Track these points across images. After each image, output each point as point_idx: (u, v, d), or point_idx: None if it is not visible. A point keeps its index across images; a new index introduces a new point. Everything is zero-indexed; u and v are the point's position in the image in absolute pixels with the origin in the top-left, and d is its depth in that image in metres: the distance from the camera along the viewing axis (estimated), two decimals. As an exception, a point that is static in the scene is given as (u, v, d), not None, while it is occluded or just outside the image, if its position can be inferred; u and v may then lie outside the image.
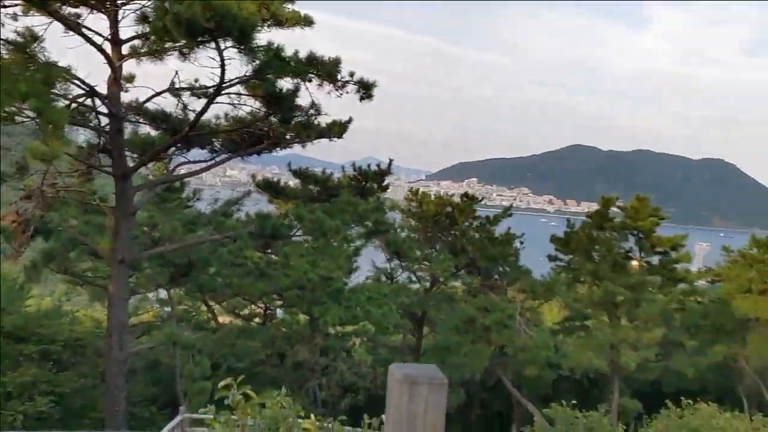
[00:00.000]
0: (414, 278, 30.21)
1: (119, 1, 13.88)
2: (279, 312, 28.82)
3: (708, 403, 18.19)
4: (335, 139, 16.43)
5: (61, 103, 13.02)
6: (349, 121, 16.58)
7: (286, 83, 14.31)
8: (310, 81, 14.09)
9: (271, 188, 23.20)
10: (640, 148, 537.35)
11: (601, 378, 31.90)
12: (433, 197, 31.46)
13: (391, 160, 23.40)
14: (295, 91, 14.46)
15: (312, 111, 14.82)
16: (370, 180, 22.94)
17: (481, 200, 32.28)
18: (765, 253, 32.68)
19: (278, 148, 16.82)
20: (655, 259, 33.96)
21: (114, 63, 14.22)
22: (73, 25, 13.49)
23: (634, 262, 32.89)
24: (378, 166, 22.81)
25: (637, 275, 31.05)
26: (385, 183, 23.69)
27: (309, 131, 15.58)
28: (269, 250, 22.78)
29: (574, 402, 18.38)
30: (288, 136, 16.34)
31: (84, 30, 13.74)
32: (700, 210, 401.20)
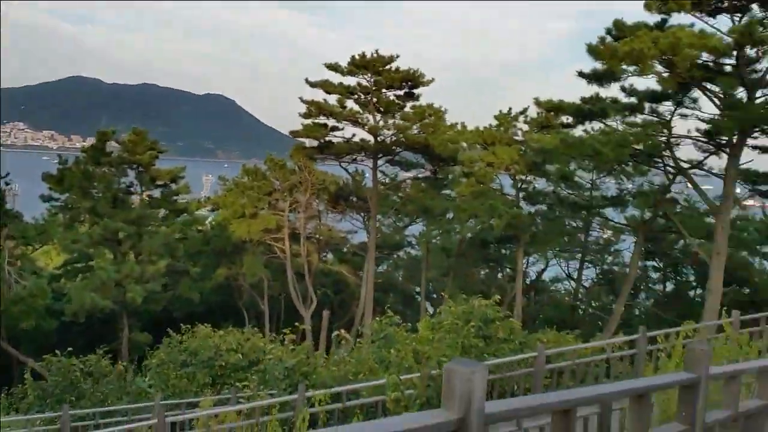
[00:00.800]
0: None
1: None
2: None
3: (206, 325, 19.37)
4: None
5: None
6: None
7: None
8: None
9: None
10: (145, 82, 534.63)
11: (111, 316, 31.15)
12: None
13: None
14: None
15: None
16: None
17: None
18: (254, 181, 36.01)
19: None
20: (157, 192, 34.25)
21: None
22: None
23: (136, 197, 32.58)
24: None
25: (139, 209, 30.85)
26: None
27: None
28: None
29: (70, 349, 17.38)
30: None
31: None
32: (205, 143, 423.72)
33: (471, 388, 2.24)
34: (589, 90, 23.37)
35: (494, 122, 31.41)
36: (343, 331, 11.82)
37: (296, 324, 13.60)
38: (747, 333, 11.49)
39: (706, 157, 25.29)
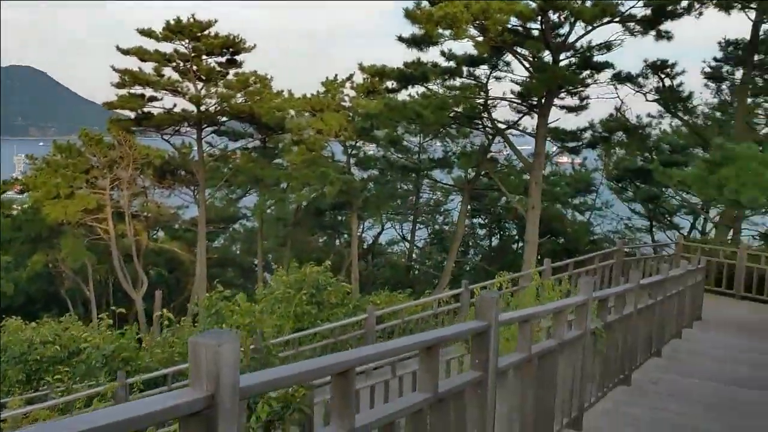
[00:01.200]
0: None
1: None
2: None
3: (16, 317, 17.68)
4: None
5: None
6: None
7: None
8: None
9: None
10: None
11: None
12: None
13: None
14: None
15: None
16: None
17: None
18: (68, 158, 33.24)
19: None
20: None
21: None
22: None
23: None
24: None
25: (-70, 196, 27.39)
26: None
27: None
28: None
29: None
30: None
31: None
32: (15, 120, 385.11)
33: (218, 361, 2.04)
34: (413, 55, 23.92)
35: (322, 89, 31.27)
36: (165, 310, 11.16)
37: (113, 307, 12.70)
38: (555, 279, 12.41)
39: (520, 118, 26.90)
